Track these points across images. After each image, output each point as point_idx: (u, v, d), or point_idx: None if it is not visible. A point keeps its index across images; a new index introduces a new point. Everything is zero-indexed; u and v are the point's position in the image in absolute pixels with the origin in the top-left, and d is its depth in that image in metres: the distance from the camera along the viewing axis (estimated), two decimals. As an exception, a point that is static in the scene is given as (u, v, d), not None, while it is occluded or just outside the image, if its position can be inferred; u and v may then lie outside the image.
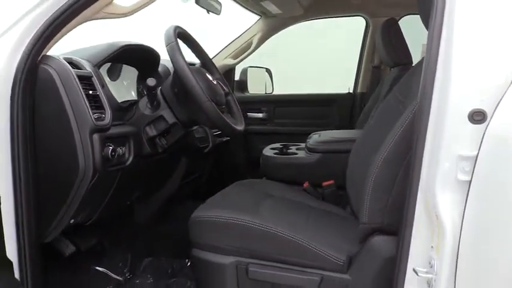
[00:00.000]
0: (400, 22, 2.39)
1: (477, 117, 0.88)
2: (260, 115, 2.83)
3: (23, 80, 1.08)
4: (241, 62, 2.83)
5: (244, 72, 2.96)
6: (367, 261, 1.14)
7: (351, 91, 2.75)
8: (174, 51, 1.29)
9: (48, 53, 1.17)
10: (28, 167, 1.06)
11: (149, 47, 1.55)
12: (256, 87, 3.06)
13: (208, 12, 1.94)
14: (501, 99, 0.85)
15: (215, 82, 1.49)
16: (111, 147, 1.22)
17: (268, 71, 3.20)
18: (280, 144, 2.17)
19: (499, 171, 0.85)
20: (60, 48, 1.26)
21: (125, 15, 1.23)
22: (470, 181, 0.88)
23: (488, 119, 0.86)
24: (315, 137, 1.99)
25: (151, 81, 1.30)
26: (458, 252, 0.90)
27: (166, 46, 1.30)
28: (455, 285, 0.91)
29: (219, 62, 2.72)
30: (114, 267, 1.79)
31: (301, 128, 2.68)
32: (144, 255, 1.86)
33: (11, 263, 1.00)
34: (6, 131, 1.06)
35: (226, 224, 1.23)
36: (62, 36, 1.16)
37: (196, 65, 1.63)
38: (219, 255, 1.23)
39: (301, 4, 2.34)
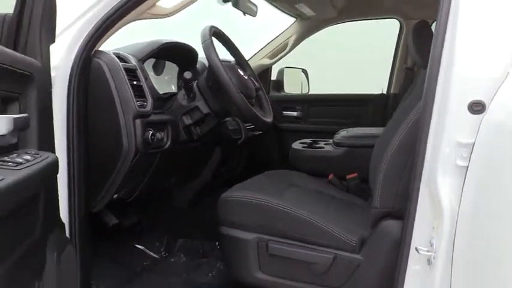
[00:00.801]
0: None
1: (476, 107, 0.96)
2: (295, 113, 2.93)
3: (79, 70, 1.25)
4: (278, 62, 2.95)
5: (280, 72, 3.08)
6: (378, 243, 1.23)
7: (385, 92, 2.80)
8: (208, 49, 1.43)
9: (100, 48, 1.35)
10: (80, 144, 1.23)
11: (187, 45, 1.71)
12: (292, 87, 3.17)
13: (244, 14, 2.07)
14: (497, 91, 0.93)
15: (246, 77, 1.62)
16: (151, 132, 1.39)
17: (304, 71, 3.30)
18: (310, 140, 2.27)
19: (493, 157, 0.93)
20: (111, 44, 1.45)
21: (166, 15, 1.39)
22: (468, 166, 0.96)
23: (486, 109, 0.94)
24: (343, 133, 2.07)
25: (187, 75, 1.45)
26: (455, 232, 0.98)
27: (202, 44, 1.45)
28: (452, 262, 0.99)
29: (256, 62, 2.86)
30: (152, 245, 1.97)
31: (334, 126, 2.76)
32: (179, 237, 2.03)
33: (63, 224, 1.16)
34: (63, 113, 1.23)
35: (251, 203, 1.36)
36: (112, 34, 1.33)
37: (231, 62, 1.77)
38: (242, 232, 1.36)
39: (335, 7, 2.43)
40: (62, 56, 1.23)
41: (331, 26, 2.70)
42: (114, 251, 1.82)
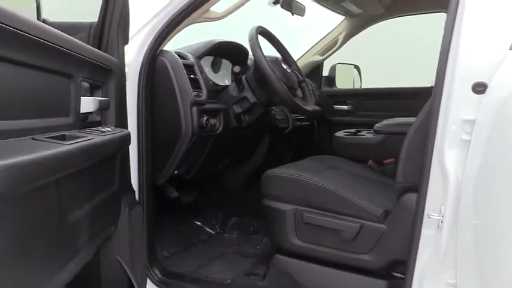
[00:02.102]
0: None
1: (479, 88, 1.09)
2: (345, 107, 3.06)
3: (146, 67, 1.52)
4: (330, 59, 3.11)
5: (332, 68, 3.23)
6: (399, 213, 1.38)
7: (433, 84, 2.85)
8: (254, 46, 1.65)
9: (164, 48, 1.62)
10: (147, 126, 1.49)
11: (239, 44, 1.95)
12: (344, 83, 3.31)
13: (292, 14, 2.27)
14: (495, 73, 1.06)
15: (289, 71, 1.82)
16: (205, 118, 1.64)
17: (356, 67, 3.42)
18: (355, 129, 2.41)
19: (493, 131, 1.06)
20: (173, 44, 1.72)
21: (218, 19, 1.63)
22: (471, 140, 1.09)
23: (487, 89, 1.07)
24: (384, 121, 2.20)
25: (236, 69, 1.69)
26: (460, 198, 1.11)
27: (249, 42, 1.68)
28: (457, 225, 1.12)
29: (308, 59, 3.05)
30: (208, 222, 2.24)
31: (383, 119, 2.86)
32: (232, 215, 2.27)
33: (134, 191, 1.44)
34: (134, 103, 1.51)
35: (290, 179, 1.56)
36: (173, 36, 1.59)
37: (277, 58, 1.98)
38: (282, 204, 1.56)
39: (382, 3, 2.55)
40: (133, 55, 1.51)
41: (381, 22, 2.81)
42: (176, 224, 2.10)
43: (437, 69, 1.17)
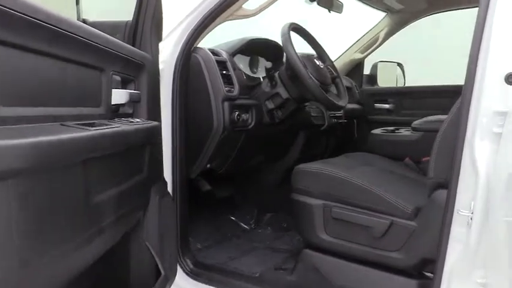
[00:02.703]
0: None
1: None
2: (387, 106, 3.00)
3: (181, 64, 1.57)
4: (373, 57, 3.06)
5: (374, 66, 3.17)
6: (431, 211, 1.34)
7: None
8: (286, 42, 1.67)
9: (198, 45, 1.67)
10: (181, 120, 1.55)
11: (272, 41, 1.97)
12: (386, 81, 3.24)
13: (329, 11, 2.26)
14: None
15: (322, 66, 1.82)
16: (237, 113, 1.67)
17: (400, 65, 3.34)
18: (393, 127, 2.36)
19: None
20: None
21: (249, 16, 1.65)
22: (502, 133, 1.04)
23: (521, 80, 1.03)
24: (424, 119, 2.13)
25: (268, 64, 1.72)
26: (491, 194, 1.07)
27: (281, 38, 1.69)
28: (488, 222, 1.08)
29: (348, 57, 3.02)
30: (243, 218, 2.27)
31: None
32: (267, 211, 2.29)
33: (166, 182, 1.49)
34: (169, 98, 1.57)
35: (320, 173, 1.56)
36: (207, 33, 1.64)
37: (313, 55, 1.97)
38: (311, 198, 1.56)
39: (424, -2, 2.48)
40: (168, 52, 1.57)
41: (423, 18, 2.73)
42: (211, 218, 2.15)
43: (469, 60, 1.13)
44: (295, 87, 1.76)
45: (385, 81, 3.21)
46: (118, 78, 1.13)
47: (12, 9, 0.66)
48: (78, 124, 0.85)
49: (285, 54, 2.08)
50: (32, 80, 0.76)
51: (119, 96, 1.11)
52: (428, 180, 1.36)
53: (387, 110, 2.98)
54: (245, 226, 2.24)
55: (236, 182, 2.21)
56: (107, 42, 1.03)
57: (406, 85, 3.21)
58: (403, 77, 3.32)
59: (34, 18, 0.71)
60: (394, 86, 3.19)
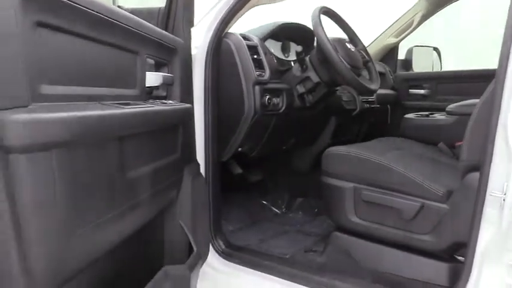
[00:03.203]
0: None
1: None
2: (422, 91, 2.93)
3: (212, 49, 1.60)
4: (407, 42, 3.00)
5: (409, 51, 3.10)
6: (463, 193, 1.32)
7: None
8: (316, 25, 1.67)
9: (229, 31, 1.70)
10: (213, 103, 1.58)
11: (303, 25, 1.97)
12: (422, 66, 3.16)
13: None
14: None
15: (354, 50, 1.80)
16: (267, 97, 1.69)
17: (436, 49, 3.25)
18: (428, 112, 2.31)
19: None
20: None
21: (278, 1, 1.66)
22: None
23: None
24: (459, 103, 2.08)
25: (298, 48, 1.72)
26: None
27: (312, 22, 1.69)
28: (521, 203, 1.06)
29: (382, 42, 2.97)
30: (275, 202, 2.30)
31: (461, 103, 2.70)
32: (298, 196, 2.31)
33: (199, 164, 1.54)
34: (201, 82, 1.61)
35: (350, 156, 1.56)
36: (237, 19, 1.66)
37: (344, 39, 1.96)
38: (341, 181, 1.57)
39: (462, -21, 2.39)
40: (201, 37, 1.60)
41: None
42: (243, 202, 2.20)
43: (502, 42, 1.11)
44: (325, 71, 1.76)
45: (420, 66, 3.14)
46: (152, 61, 1.18)
47: None
48: (115, 103, 0.90)
49: (315, 38, 2.08)
50: (74, 62, 0.81)
51: (153, 78, 1.15)
52: (461, 163, 1.34)
53: (422, 95, 2.92)
54: (276, 210, 2.27)
55: (268, 167, 2.24)
56: (141, 27, 1.08)
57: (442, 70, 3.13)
58: (439, 61, 3.24)
59: (78, 5, 0.76)
60: (430, 71, 3.11)
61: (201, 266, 1.43)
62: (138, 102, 1.01)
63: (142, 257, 1.18)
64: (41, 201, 0.65)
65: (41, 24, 0.70)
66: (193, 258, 1.23)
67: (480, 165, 1.26)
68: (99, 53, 0.91)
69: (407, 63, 3.11)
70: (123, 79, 1.03)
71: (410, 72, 3.05)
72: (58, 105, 0.72)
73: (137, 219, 1.00)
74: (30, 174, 0.63)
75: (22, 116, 0.62)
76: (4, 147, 0.60)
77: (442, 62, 3.25)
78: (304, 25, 1.98)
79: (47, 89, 0.72)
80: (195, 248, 1.27)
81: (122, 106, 0.88)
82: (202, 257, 1.49)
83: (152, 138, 1.04)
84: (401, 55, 3.14)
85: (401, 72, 3.04)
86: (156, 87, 1.20)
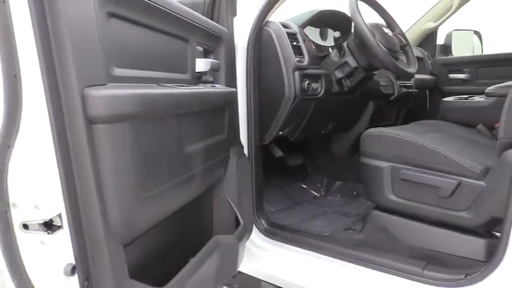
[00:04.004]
0: None
1: None
2: (462, 76, 2.91)
3: (254, 36, 1.69)
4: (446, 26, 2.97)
5: (448, 36, 3.07)
6: (501, 171, 1.35)
7: None
8: (353, 11, 1.72)
9: (270, 19, 1.78)
10: (255, 90, 1.67)
11: (340, 12, 2.02)
12: (461, 50, 3.12)
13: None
14: None
15: (391, 34, 1.84)
16: (307, 82, 1.76)
17: (477, 33, 3.19)
18: (467, 96, 2.31)
19: None
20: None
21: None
22: None
23: None
24: (498, 85, 2.07)
25: (336, 34, 1.78)
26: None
27: (349, 7, 1.74)
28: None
29: (420, 27, 2.96)
30: (314, 186, 2.38)
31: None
32: (337, 179, 2.37)
33: (242, 146, 1.64)
34: (244, 68, 1.70)
35: (388, 137, 1.62)
36: (277, 8, 1.74)
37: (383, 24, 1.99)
38: (379, 161, 1.63)
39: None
40: (243, 26, 1.70)
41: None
42: (284, 185, 2.29)
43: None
44: (363, 55, 1.81)
45: (460, 50, 3.10)
46: (200, 49, 1.28)
47: None
48: (172, 85, 1.01)
49: (353, 23, 2.13)
50: (138, 48, 0.92)
51: (201, 64, 1.25)
52: (499, 140, 1.37)
53: (462, 80, 2.89)
54: (315, 193, 2.35)
55: (308, 152, 2.31)
56: (191, 16, 1.18)
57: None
58: (480, 45, 3.19)
59: None
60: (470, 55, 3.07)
61: (246, 240, 1.54)
62: (189, 86, 1.12)
63: (196, 226, 1.29)
64: (117, 166, 0.76)
65: (112, 15, 0.81)
66: (240, 229, 1.33)
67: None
68: (157, 40, 1.01)
69: (446, 48, 3.08)
70: (177, 64, 1.14)
71: (449, 56, 3.02)
72: (128, 85, 0.83)
73: (192, 190, 1.11)
74: (109, 142, 0.74)
75: (102, 91, 0.73)
76: (89, 118, 0.71)
77: (483, 45, 3.19)
78: (341, 11, 2.03)
79: (118, 72, 0.83)
80: (241, 221, 1.38)
81: (179, 86, 0.99)
82: (247, 230, 1.60)
83: (203, 118, 1.15)
84: (441, 40, 3.12)
85: (440, 57, 3.02)
86: (205, 73, 1.30)
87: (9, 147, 0.66)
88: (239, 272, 1.83)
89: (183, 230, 1.19)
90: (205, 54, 1.34)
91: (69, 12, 0.69)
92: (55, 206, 0.70)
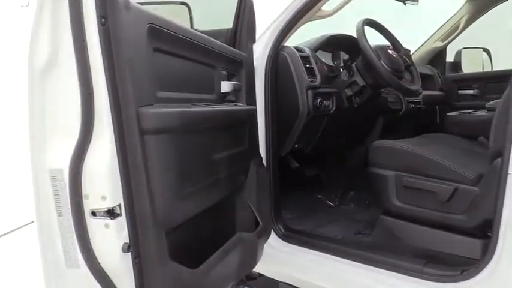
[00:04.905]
0: None
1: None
2: (471, 91, 3.05)
3: (271, 60, 1.90)
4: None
5: (458, 54, 3.24)
6: (491, 177, 1.51)
7: None
8: (360, 35, 1.92)
9: (285, 44, 1.99)
10: (273, 108, 1.87)
11: (349, 36, 2.22)
12: (471, 67, 3.27)
13: (405, 4, 2.44)
14: None
15: (395, 55, 2.03)
16: (319, 99, 1.96)
17: (486, 50, 3.34)
18: (472, 110, 2.47)
19: None
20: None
21: (328, 16, 1.94)
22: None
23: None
24: (498, 100, 2.22)
25: (344, 56, 1.98)
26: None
27: (356, 33, 1.95)
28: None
29: (429, 46, 3.14)
30: (328, 196, 2.55)
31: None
32: (351, 189, 2.54)
33: (261, 157, 1.84)
34: (262, 88, 1.90)
35: (392, 148, 1.79)
36: (291, 34, 1.95)
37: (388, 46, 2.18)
38: (385, 170, 1.80)
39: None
40: (260, 51, 1.91)
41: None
42: (300, 195, 2.47)
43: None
44: (369, 75, 2.00)
45: (470, 67, 3.25)
46: (224, 73, 1.50)
47: (165, 28, 1.04)
48: (201, 104, 1.23)
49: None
50: (175, 74, 1.14)
51: (226, 86, 1.47)
52: (489, 150, 1.53)
53: (471, 95, 3.03)
54: (330, 203, 2.52)
55: (323, 163, 2.50)
56: (217, 46, 1.40)
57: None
58: (490, 62, 3.33)
59: (179, 34, 1.09)
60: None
61: (265, 240, 1.73)
62: (216, 104, 1.33)
63: (222, 224, 1.49)
64: (162, 167, 0.98)
65: (157, 50, 1.03)
66: (260, 229, 1.53)
67: (502, 150, 1.45)
68: (191, 68, 1.24)
69: (456, 65, 3.24)
70: (205, 87, 1.36)
71: (458, 73, 3.17)
72: (169, 105, 1.05)
73: (218, 192, 1.32)
74: (156, 149, 0.96)
75: (151, 110, 0.95)
76: (142, 130, 0.93)
77: (493, 62, 3.34)
78: (349, 35, 2.23)
79: (161, 94, 1.05)
80: (260, 222, 1.57)
81: (208, 105, 1.20)
82: (266, 236, 1.79)
83: (228, 132, 1.36)
84: (451, 58, 3.28)
85: (450, 74, 3.18)
86: (228, 93, 1.52)
87: (83, 153, 0.88)
88: (260, 275, 2.01)
89: (212, 225, 1.39)
90: (229, 77, 1.55)
91: (128, 49, 0.92)
92: (116, 198, 0.91)
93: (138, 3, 1.66)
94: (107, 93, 0.88)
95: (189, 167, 1.09)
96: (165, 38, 1.05)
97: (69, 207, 0.89)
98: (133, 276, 0.94)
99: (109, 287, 0.92)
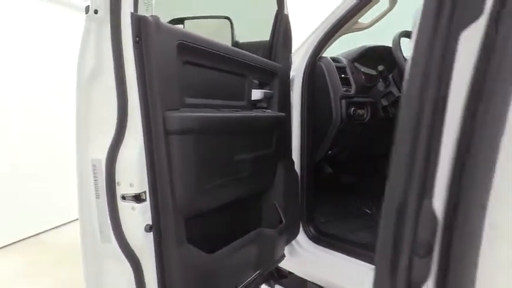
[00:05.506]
0: None
1: None
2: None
3: (308, 70, 2.01)
4: None
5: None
6: None
7: None
8: (395, 47, 1.98)
9: (322, 55, 2.10)
10: (309, 115, 1.98)
11: (387, 47, 2.27)
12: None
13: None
14: None
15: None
16: (353, 109, 2.04)
17: None
18: None
19: None
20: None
21: (365, 28, 2.02)
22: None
23: None
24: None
25: (380, 67, 2.05)
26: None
27: (392, 45, 2.01)
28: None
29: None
30: (365, 202, 2.60)
31: None
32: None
33: (293, 161, 1.95)
34: (299, 97, 2.02)
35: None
36: (329, 46, 2.06)
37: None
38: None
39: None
40: (299, 62, 2.04)
41: None
42: (338, 200, 2.55)
43: None
44: (406, 85, 2.04)
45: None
46: (256, 81, 1.64)
47: (193, 43, 1.21)
48: (226, 110, 1.38)
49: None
50: (204, 83, 1.30)
51: (256, 94, 1.61)
52: None
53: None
54: (366, 210, 2.57)
55: (361, 171, 2.56)
56: (248, 58, 1.55)
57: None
58: None
59: (209, 49, 1.26)
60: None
61: (289, 239, 1.84)
62: (244, 110, 1.48)
63: (246, 219, 1.63)
64: (184, 164, 1.14)
65: (187, 62, 1.20)
66: (281, 226, 1.65)
67: None
68: (220, 77, 1.40)
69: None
70: (236, 94, 1.52)
71: None
72: (192, 110, 1.22)
73: (239, 189, 1.46)
74: (178, 147, 1.12)
75: (175, 114, 1.12)
76: (167, 131, 1.10)
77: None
78: (387, 46, 2.28)
79: (189, 100, 1.22)
80: (283, 220, 1.69)
81: (232, 111, 1.36)
82: (291, 235, 1.90)
83: (251, 135, 1.50)
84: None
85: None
86: (259, 100, 1.66)
87: (117, 148, 1.07)
88: (290, 273, 2.13)
89: (234, 220, 1.53)
90: (262, 85, 1.70)
91: (157, 62, 1.09)
92: (142, 185, 1.09)
93: (185, 18, 1.87)
94: (138, 99, 1.06)
95: (209, 164, 1.24)
96: (194, 52, 1.22)
97: (105, 191, 1.08)
98: (154, 253, 1.12)
99: (134, 260, 1.10)
